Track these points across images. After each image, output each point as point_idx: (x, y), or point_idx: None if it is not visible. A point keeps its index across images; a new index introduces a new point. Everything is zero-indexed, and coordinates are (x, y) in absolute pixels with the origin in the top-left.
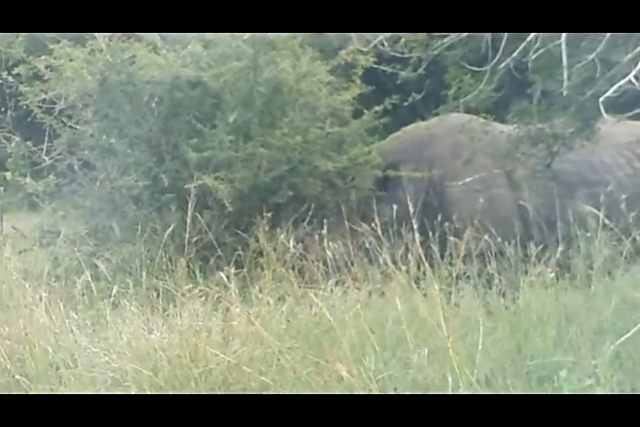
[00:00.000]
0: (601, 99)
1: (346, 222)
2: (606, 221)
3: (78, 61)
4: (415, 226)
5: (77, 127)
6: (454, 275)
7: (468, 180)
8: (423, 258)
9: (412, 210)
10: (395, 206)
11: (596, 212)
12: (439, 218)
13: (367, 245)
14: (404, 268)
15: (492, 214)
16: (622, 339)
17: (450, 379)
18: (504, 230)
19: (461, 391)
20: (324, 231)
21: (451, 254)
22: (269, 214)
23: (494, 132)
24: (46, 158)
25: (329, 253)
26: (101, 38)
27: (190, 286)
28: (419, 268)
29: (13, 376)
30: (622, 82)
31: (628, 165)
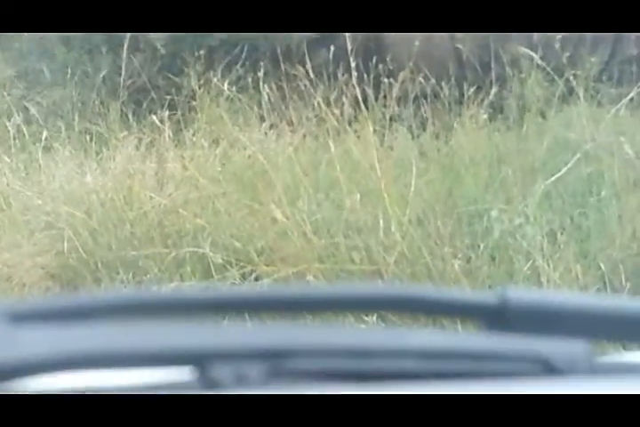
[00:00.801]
0: None
1: (281, 65)
2: (539, 62)
3: None
4: (352, 66)
5: None
6: (388, 117)
7: None
8: (359, 99)
9: (349, 50)
10: (331, 48)
11: (530, 52)
12: (374, 60)
13: (302, 88)
14: (337, 111)
15: (427, 56)
16: (553, 178)
17: (382, 219)
18: (439, 72)
19: (393, 231)
20: (260, 74)
21: (385, 97)
22: (203, 56)
23: None
24: None
25: (264, 95)
26: None
27: (124, 131)
28: (353, 110)
29: None
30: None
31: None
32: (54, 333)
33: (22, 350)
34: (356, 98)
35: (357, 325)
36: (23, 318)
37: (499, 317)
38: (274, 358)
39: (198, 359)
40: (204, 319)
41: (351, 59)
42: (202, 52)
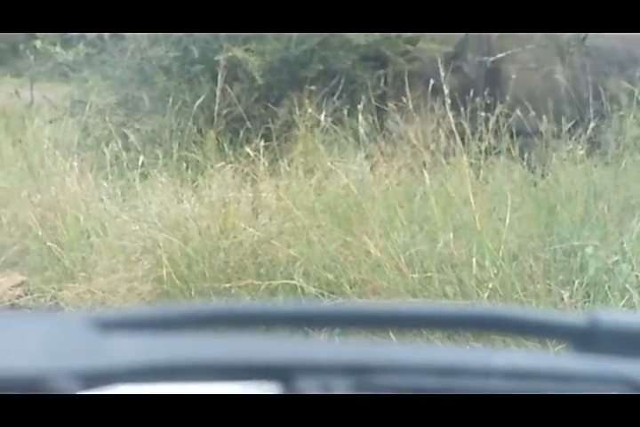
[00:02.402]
0: None
1: (375, 97)
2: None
3: None
4: (448, 101)
5: None
6: (484, 150)
7: (499, 55)
8: (455, 132)
9: (444, 85)
10: (428, 81)
11: (631, 87)
12: (471, 93)
13: (398, 120)
14: (433, 143)
15: (524, 89)
16: None
17: (475, 254)
18: (536, 106)
19: (486, 266)
20: (360, 106)
21: (481, 130)
22: (299, 88)
23: None
24: None
25: (361, 128)
26: None
27: (220, 160)
28: (448, 143)
29: (45, 243)
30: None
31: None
32: (142, 342)
33: (109, 359)
34: (452, 131)
35: (443, 343)
36: (112, 326)
37: (588, 338)
38: (360, 374)
39: (284, 373)
40: (290, 332)
41: (446, 91)
42: (299, 82)
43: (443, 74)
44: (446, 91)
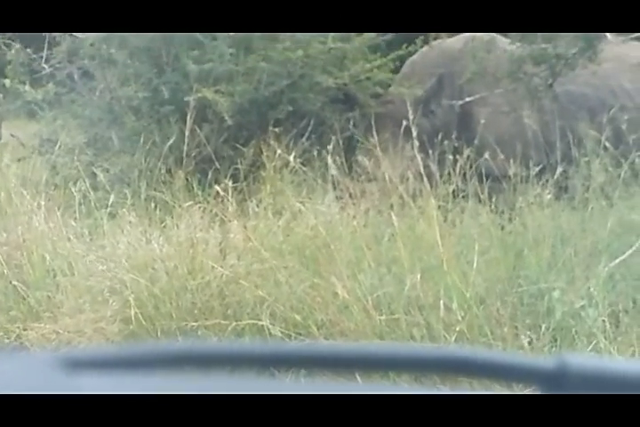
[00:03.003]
0: None
1: (344, 139)
2: (606, 144)
3: None
4: (416, 143)
5: (77, 36)
6: (452, 193)
7: (467, 99)
8: (423, 174)
9: (412, 127)
10: (398, 123)
11: (597, 134)
12: (439, 136)
13: (366, 162)
14: (402, 185)
15: (493, 134)
16: (617, 261)
17: (443, 297)
18: (505, 150)
19: (454, 308)
20: (328, 147)
21: (449, 173)
22: (269, 129)
23: (497, 52)
24: (46, 66)
25: (329, 170)
26: None
27: (189, 200)
28: (417, 186)
29: (11, 282)
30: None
31: (633, 87)
32: (109, 381)
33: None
34: (421, 173)
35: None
36: (79, 365)
37: (556, 381)
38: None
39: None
40: (257, 373)
41: (414, 134)
42: (268, 123)
43: (412, 117)
44: (415, 133)
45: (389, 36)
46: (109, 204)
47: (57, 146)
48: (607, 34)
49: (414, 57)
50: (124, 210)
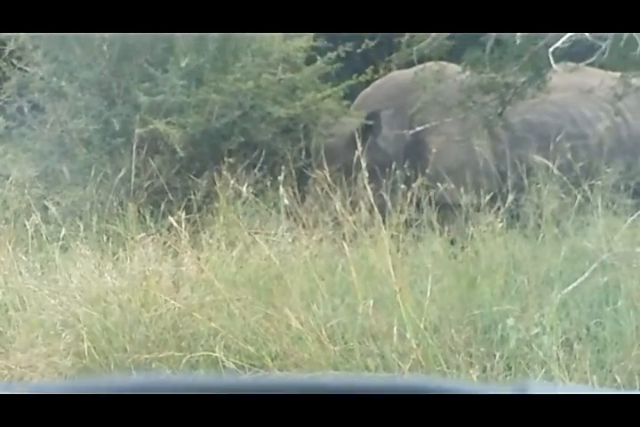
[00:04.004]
0: (551, 49)
1: (296, 169)
2: (556, 172)
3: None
4: (365, 174)
5: (27, 69)
6: (404, 222)
7: (418, 128)
8: (373, 204)
9: (362, 157)
10: (349, 153)
11: (547, 162)
12: (392, 166)
13: (319, 192)
14: (354, 215)
15: (444, 163)
16: (570, 288)
17: (397, 326)
18: (455, 178)
19: (408, 337)
20: (280, 178)
21: (402, 202)
22: (221, 160)
23: (447, 81)
24: None
25: (282, 200)
26: None
27: (142, 232)
28: (370, 215)
29: None
30: (572, 32)
31: (580, 115)
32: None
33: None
34: (373, 203)
35: None
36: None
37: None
38: None
39: None
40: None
41: (364, 164)
42: (220, 154)
43: (363, 146)
44: (364, 164)
45: (339, 65)
46: (61, 237)
47: (8, 180)
48: (554, 64)
49: (367, 89)
50: (77, 243)
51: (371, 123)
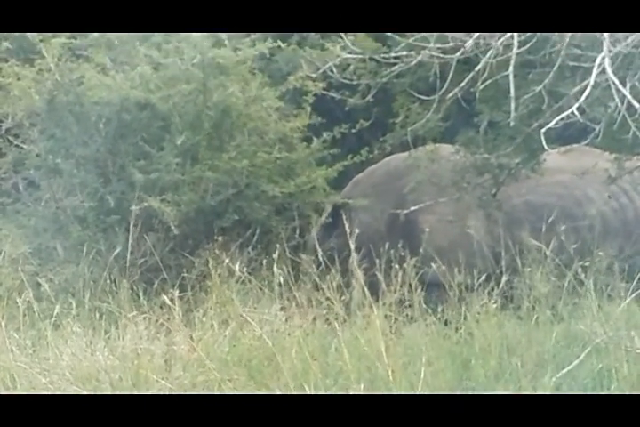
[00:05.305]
0: (543, 130)
1: (290, 248)
2: (548, 253)
3: (26, 80)
4: (359, 254)
5: (24, 146)
6: (398, 302)
7: (412, 208)
8: (365, 285)
9: (353, 238)
10: (342, 233)
11: (540, 244)
12: (386, 246)
13: (312, 271)
14: (347, 295)
15: (437, 243)
16: (563, 371)
17: None
18: (449, 259)
19: None
20: (274, 256)
21: (395, 282)
22: (215, 238)
23: (441, 161)
24: None
25: (278, 278)
26: (50, 58)
27: (134, 310)
28: (363, 295)
29: None
30: (565, 114)
31: (571, 197)
32: None
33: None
34: (365, 282)
35: None
36: None
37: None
38: None
39: None
40: None
41: (352, 245)
42: (214, 232)
43: (356, 226)
44: (353, 245)
45: (335, 146)
46: (54, 314)
47: (1, 256)
48: (547, 148)
49: (360, 175)
50: (69, 320)
51: (365, 202)
